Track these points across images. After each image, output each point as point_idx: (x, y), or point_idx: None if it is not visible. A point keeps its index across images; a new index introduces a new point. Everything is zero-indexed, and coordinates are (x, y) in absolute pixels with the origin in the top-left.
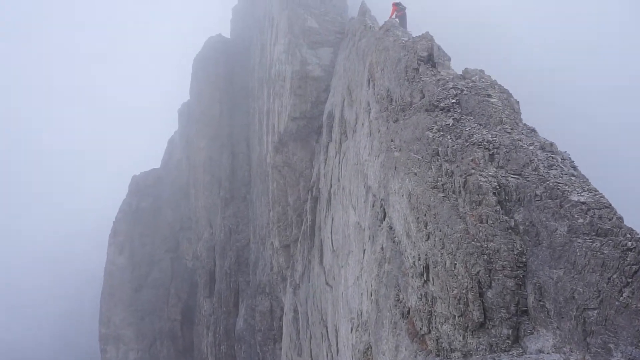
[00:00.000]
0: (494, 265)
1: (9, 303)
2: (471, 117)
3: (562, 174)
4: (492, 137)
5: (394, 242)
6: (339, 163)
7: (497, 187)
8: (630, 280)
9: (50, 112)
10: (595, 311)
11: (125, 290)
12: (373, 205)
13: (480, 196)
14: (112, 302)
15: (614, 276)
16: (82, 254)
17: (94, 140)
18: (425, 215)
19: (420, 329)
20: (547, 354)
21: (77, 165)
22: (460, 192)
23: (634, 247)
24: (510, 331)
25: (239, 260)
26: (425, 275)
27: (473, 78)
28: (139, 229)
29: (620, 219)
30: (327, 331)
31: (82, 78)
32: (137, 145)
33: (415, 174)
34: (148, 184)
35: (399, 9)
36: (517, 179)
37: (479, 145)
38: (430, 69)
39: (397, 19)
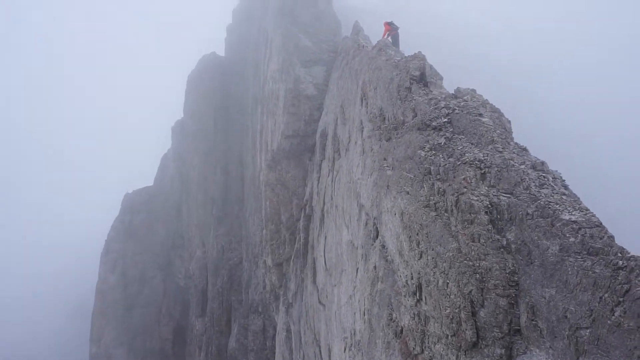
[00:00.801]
0: (486, 284)
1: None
2: (463, 136)
3: (553, 193)
4: (483, 156)
5: (386, 260)
6: (332, 181)
7: (489, 206)
8: (621, 299)
9: (43, 130)
10: (588, 330)
11: (117, 308)
12: (366, 224)
13: (472, 215)
14: (104, 320)
15: (606, 295)
16: (74, 272)
17: (87, 157)
18: (417, 234)
19: (414, 348)
20: None
21: (69, 183)
22: (452, 210)
23: (625, 266)
24: (503, 351)
25: (231, 279)
26: (418, 295)
27: (465, 97)
28: (131, 247)
29: (611, 237)
30: (320, 351)
31: (76, 95)
32: (129, 163)
33: (408, 193)
34: (141, 201)
35: (392, 29)
36: (509, 198)
37: (471, 164)
38: (423, 88)
39: (389, 39)
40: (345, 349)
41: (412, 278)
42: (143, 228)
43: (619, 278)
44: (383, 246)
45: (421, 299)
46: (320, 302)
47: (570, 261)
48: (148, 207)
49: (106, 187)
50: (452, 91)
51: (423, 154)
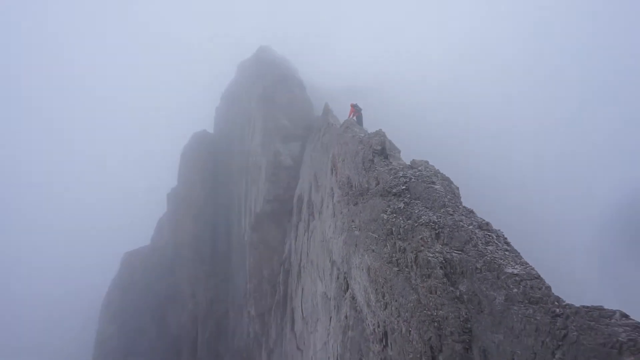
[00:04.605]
0: (443, 332)
1: None
2: (419, 201)
3: (497, 249)
4: (437, 219)
5: (356, 310)
6: (308, 240)
7: (444, 261)
8: (560, 343)
9: (46, 189)
10: None
11: (115, 356)
12: (337, 278)
13: (429, 270)
14: None
15: (547, 339)
16: (73, 326)
17: (90, 219)
18: (382, 287)
19: None
20: None
21: (72, 242)
22: (412, 266)
23: (562, 313)
24: None
25: (219, 328)
26: (384, 341)
27: (420, 167)
28: (129, 301)
29: (548, 288)
30: None
31: (81, 158)
32: (129, 225)
33: (373, 251)
34: (139, 259)
35: (356, 110)
36: (460, 254)
37: (427, 225)
38: (384, 160)
39: (355, 118)
40: None
41: (378, 326)
42: (140, 283)
43: (557, 324)
44: (353, 298)
45: (387, 345)
46: (298, 347)
47: (515, 309)
48: (145, 264)
49: (106, 247)
50: (408, 162)
51: (385, 216)
